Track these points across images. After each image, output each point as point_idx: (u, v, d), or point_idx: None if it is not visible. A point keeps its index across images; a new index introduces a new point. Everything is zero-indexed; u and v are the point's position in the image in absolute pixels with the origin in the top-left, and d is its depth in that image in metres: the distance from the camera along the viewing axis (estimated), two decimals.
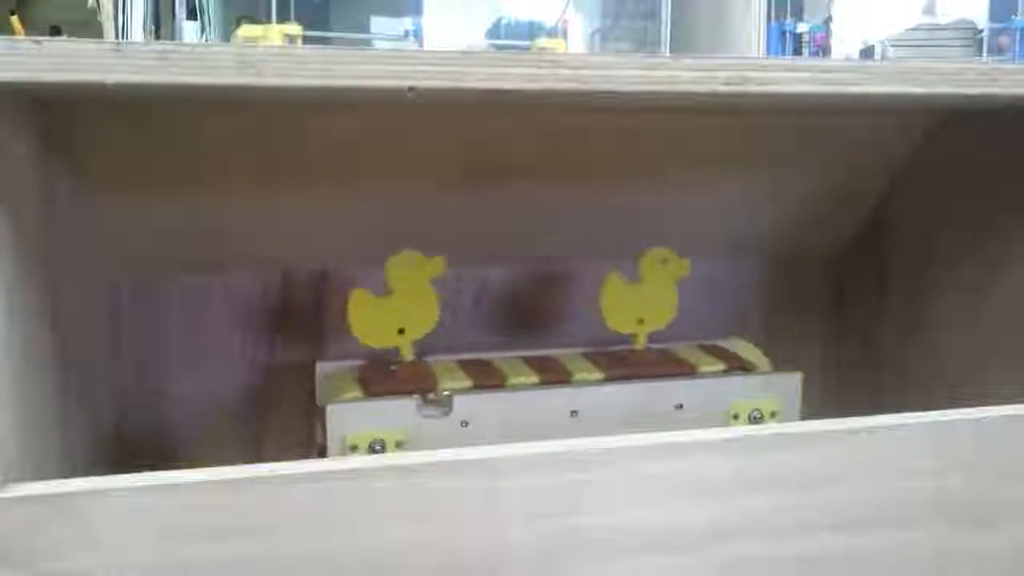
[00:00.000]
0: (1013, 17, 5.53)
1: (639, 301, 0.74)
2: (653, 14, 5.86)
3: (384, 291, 0.69)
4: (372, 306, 0.69)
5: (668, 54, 0.59)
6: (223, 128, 0.64)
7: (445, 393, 0.68)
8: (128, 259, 0.74)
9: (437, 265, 0.69)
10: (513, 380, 0.71)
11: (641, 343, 0.75)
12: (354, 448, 0.65)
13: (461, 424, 0.67)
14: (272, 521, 0.46)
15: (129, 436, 0.78)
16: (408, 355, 0.71)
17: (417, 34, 5.75)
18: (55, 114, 0.57)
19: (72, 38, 0.44)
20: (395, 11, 6.02)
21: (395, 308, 0.70)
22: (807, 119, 0.74)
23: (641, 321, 0.75)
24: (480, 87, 0.48)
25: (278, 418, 0.83)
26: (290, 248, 0.78)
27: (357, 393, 0.69)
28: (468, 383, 0.70)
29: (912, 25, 5.45)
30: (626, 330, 0.75)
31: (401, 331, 0.70)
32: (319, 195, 0.73)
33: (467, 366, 0.73)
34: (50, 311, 0.55)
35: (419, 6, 6.35)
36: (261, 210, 0.73)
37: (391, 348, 0.71)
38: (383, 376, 0.70)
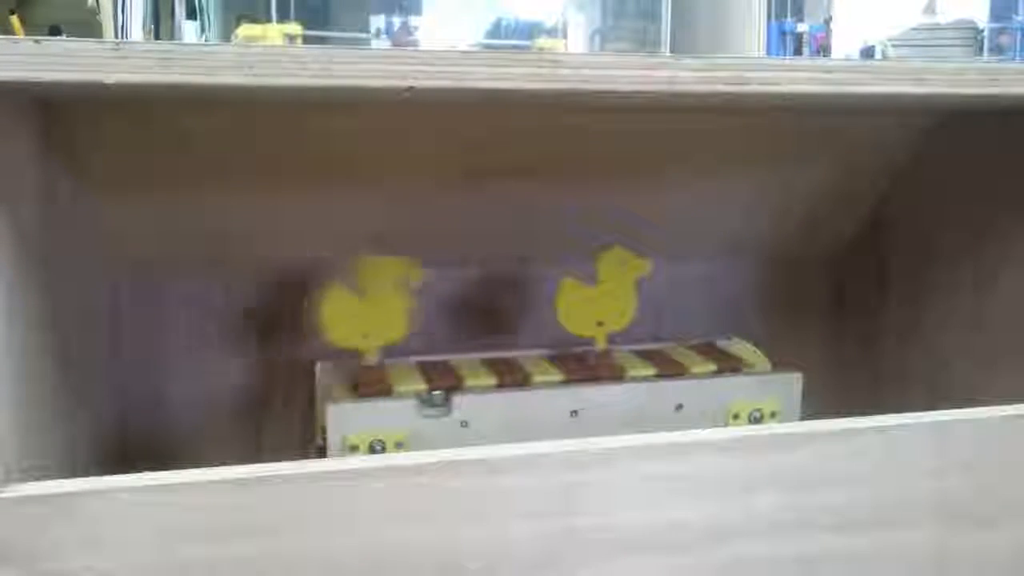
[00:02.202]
0: (1013, 17, 5.53)
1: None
2: (653, 14, 5.86)
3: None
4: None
5: (668, 54, 0.59)
6: (223, 128, 0.64)
7: (435, 393, 0.67)
8: (128, 259, 0.74)
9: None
10: (537, 378, 0.72)
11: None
12: (354, 448, 0.65)
13: (461, 424, 0.67)
14: (272, 521, 0.46)
15: (129, 436, 0.78)
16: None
17: (389, 32, 5.71)
18: (55, 114, 0.57)
19: (72, 38, 0.44)
20: (395, 11, 6.00)
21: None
22: (807, 119, 0.74)
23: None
24: (480, 87, 0.48)
25: (278, 418, 0.83)
26: (290, 248, 0.78)
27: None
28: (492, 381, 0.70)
29: (912, 25, 5.45)
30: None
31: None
32: (319, 195, 0.73)
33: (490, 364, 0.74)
34: (50, 311, 0.55)
35: (419, 6, 6.35)
36: (261, 210, 0.73)
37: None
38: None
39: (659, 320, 0.88)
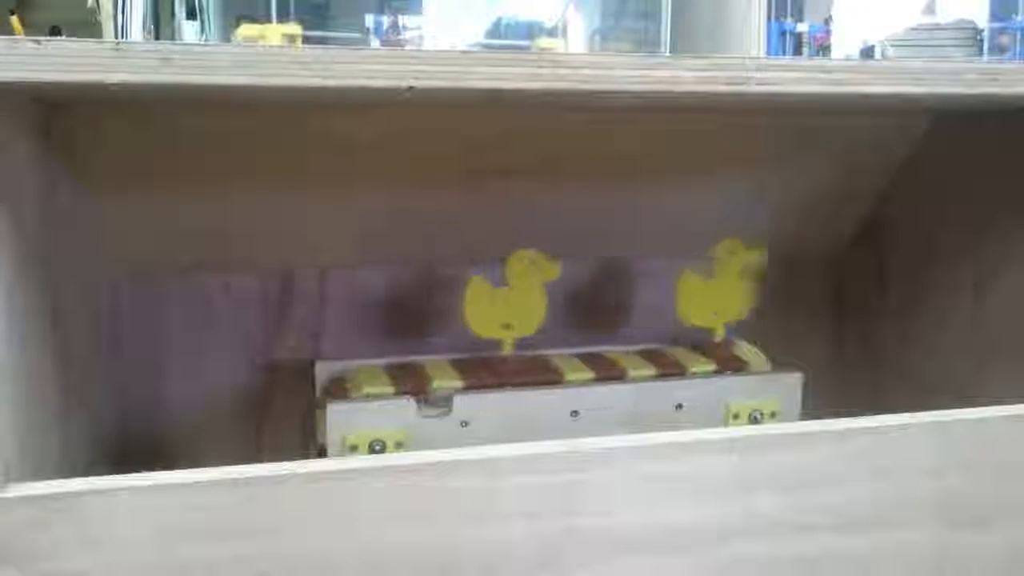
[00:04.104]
0: (1013, 17, 5.53)
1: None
2: (653, 14, 5.87)
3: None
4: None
5: (668, 54, 0.59)
6: (223, 128, 0.64)
7: (436, 394, 0.68)
8: (128, 259, 0.74)
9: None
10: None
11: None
12: (354, 448, 0.65)
13: (461, 424, 0.67)
14: (272, 521, 0.46)
15: (129, 436, 0.78)
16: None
17: (378, 31, 5.72)
18: (55, 114, 0.57)
19: (72, 38, 0.44)
20: (384, 11, 6.00)
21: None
22: (807, 119, 0.74)
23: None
24: (480, 87, 0.48)
25: (278, 418, 0.83)
26: (290, 248, 0.78)
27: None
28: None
29: (912, 25, 5.45)
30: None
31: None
32: (319, 195, 0.73)
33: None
34: (50, 311, 0.55)
35: (419, 6, 6.35)
36: (261, 210, 0.73)
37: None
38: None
39: (659, 320, 0.88)
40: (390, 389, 0.69)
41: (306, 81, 0.45)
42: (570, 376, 0.73)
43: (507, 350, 0.74)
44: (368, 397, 0.68)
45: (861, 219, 0.90)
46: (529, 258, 0.73)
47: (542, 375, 0.72)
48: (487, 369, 0.72)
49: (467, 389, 0.70)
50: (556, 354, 0.77)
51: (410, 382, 0.70)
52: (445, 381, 0.70)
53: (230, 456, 0.54)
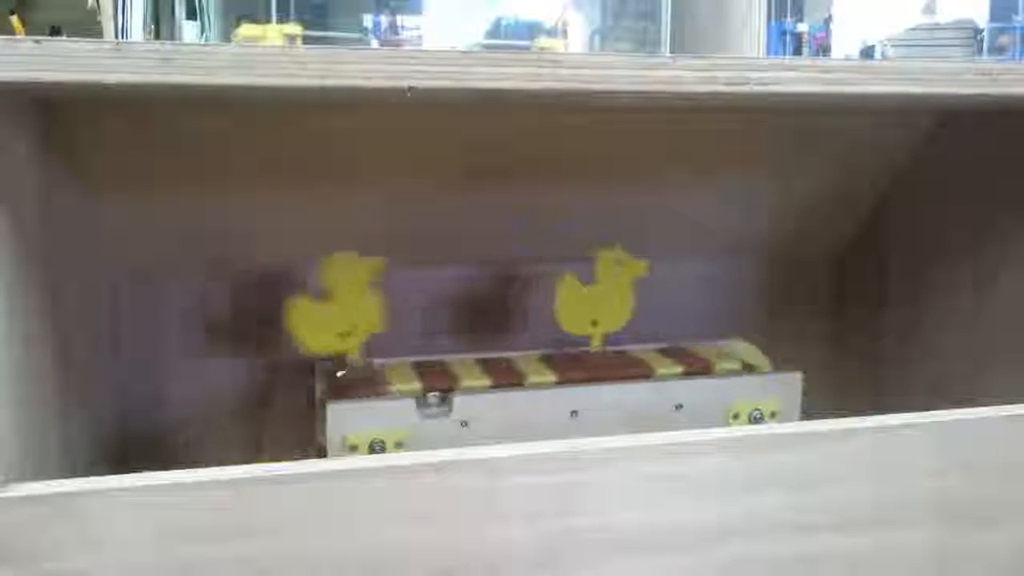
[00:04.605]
0: (1013, 17, 5.54)
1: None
2: (653, 14, 5.87)
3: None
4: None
5: (668, 54, 0.59)
6: (223, 128, 0.64)
7: (431, 395, 0.67)
8: (128, 259, 0.74)
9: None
10: (532, 379, 0.72)
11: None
12: (354, 448, 0.65)
13: (461, 424, 0.67)
14: (272, 521, 0.46)
15: (129, 436, 0.78)
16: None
17: (376, 31, 5.72)
18: (55, 114, 0.57)
19: (72, 38, 0.44)
20: (383, 11, 6.00)
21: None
22: (807, 119, 0.74)
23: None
24: (480, 87, 0.48)
25: (278, 418, 0.83)
26: (290, 248, 0.78)
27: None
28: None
29: (912, 25, 5.45)
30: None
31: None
32: (319, 195, 0.73)
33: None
34: (50, 311, 0.55)
35: (419, 6, 6.35)
36: (261, 210, 0.73)
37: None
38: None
39: (659, 320, 0.88)
40: (486, 382, 0.70)
41: (306, 81, 0.45)
42: (661, 371, 0.74)
43: (595, 346, 0.75)
44: (471, 391, 0.69)
45: (861, 219, 0.90)
46: (616, 257, 0.74)
47: (633, 370, 0.73)
48: (579, 364, 0.74)
49: (560, 384, 0.71)
50: (639, 349, 0.78)
51: (504, 377, 0.71)
52: (538, 376, 0.71)
53: (230, 456, 0.55)
